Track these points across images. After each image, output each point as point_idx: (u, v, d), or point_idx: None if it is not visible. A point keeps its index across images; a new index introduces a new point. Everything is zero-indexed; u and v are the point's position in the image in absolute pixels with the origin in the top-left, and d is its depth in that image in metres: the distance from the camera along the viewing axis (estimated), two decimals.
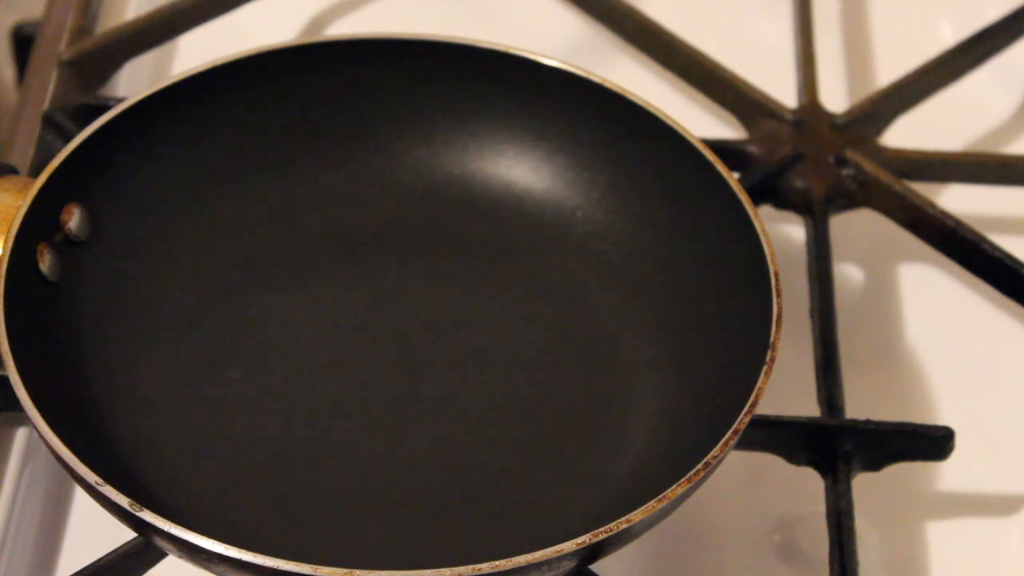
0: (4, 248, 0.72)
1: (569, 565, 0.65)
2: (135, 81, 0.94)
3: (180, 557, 0.66)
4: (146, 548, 0.70)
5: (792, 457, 0.78)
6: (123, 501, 0.65)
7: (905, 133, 0.92)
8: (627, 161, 0.81)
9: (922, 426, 0.78)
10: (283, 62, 0.81)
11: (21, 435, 0.79)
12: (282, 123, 0.82)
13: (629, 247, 0.81)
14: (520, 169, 0.84)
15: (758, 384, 0.69)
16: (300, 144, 0.83)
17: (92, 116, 0.78)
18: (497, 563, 0.63)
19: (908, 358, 0.87)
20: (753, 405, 0.69)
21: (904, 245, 0.88)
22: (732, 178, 0.77)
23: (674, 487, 0.66)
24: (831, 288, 0.83)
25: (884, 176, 0.88)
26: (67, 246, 0.75)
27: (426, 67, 0.82)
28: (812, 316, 0.82)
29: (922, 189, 0.88)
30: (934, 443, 0.77)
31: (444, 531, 0.72)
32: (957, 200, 0.91)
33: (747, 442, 0.74)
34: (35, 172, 0.76)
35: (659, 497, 0.65)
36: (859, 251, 0.91)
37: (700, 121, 0.94)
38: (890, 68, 0.97)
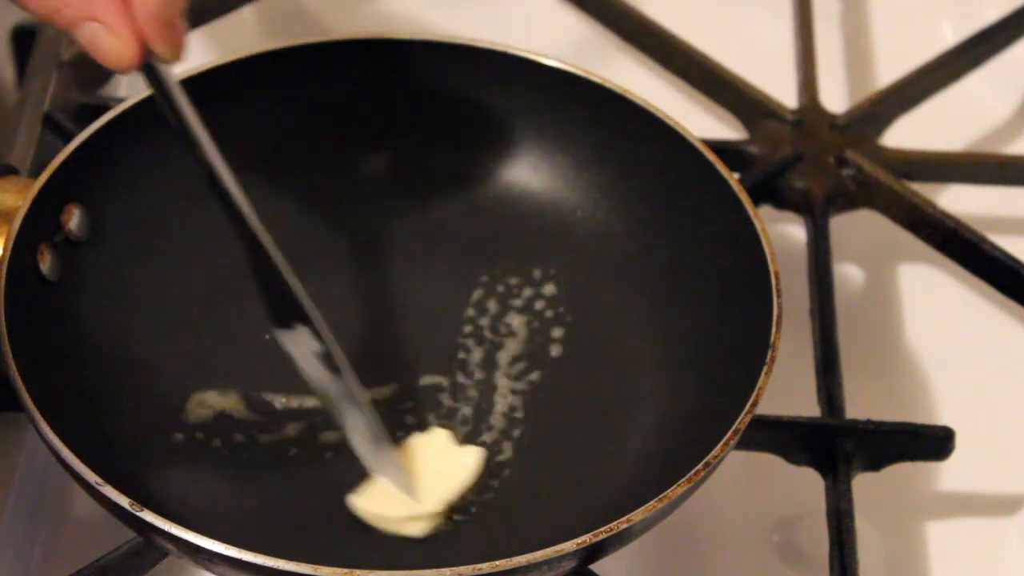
0: (4, 248, 0.72)
1: (569, 565, 0.65)
2: (135, 81, 0.94)
3: (180, 557, 0.66)
4: (146, 548, 0.70)
5: (792, 457, 0.78)
6: (123, 501, 0.65)
7: (905, 133, 0.92)
8: (627, 161, 0.81)
9: (922, 426, 0.78)
10: (283, 62, 0.81)
11: (21, 435, 0.79)
12: (282, 123, 0.82)
13: (629, 247, 0.81)
14: (520, 169, 0.84)
15: (758, 384, 0.69)
16: (300, 144, 0.83)
17: (92, 116, 0.78)
18: (497, 563, 0.63)
19: (908, 358, 0.87)
20: (753, 405, 0.69)
21: (904, 245, 0.88)
22: (732, 178, 0.77)
23: (674, 487, 0.66)
24: (831, 288, 0.83)
25: (884, 176, 0.88)
26: (67, 246, 0.75)
27: (426, 67, 0.82)
28: (812, 316, 0.82)
29: (922, 189, 0.88)
30: (934, 443, 0.77)
31: (444, 531, 0.72)
32: (957, 200, 0.91)
33: (747, 442, 0.74)
34: (35, 172, 0.76)
35: (659, 497, 0.66)
36: (859, 251, 0.91)
37: (700, 121, 0.94)
38: (890, 68, 0.97)
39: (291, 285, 0.69)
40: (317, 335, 0.69)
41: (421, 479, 0.72)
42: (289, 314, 0.69)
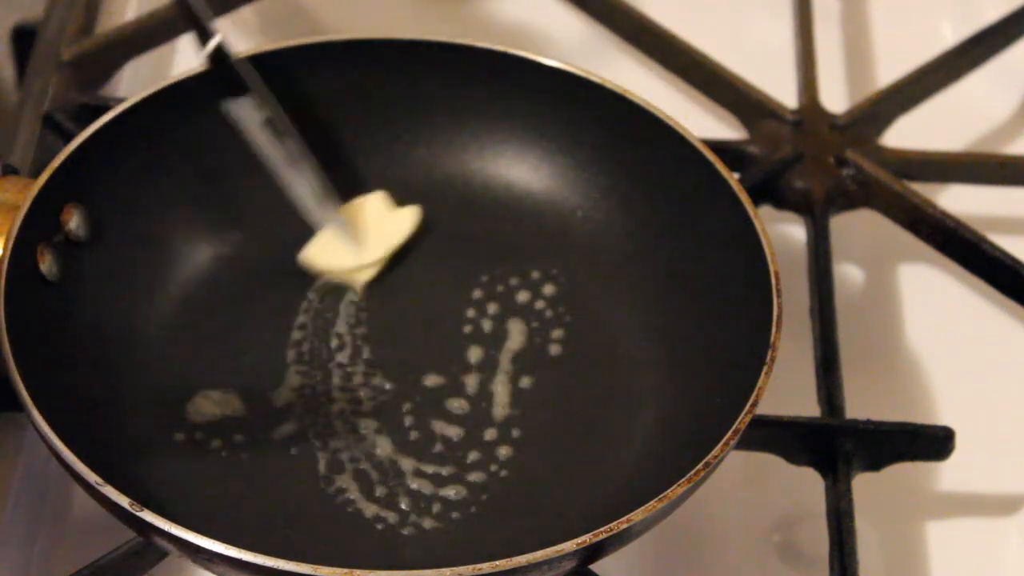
0: (4, 248, 0.72)
1: (569, 565, 0.65)
2: (135, 81, 0.94)
3: (180, 557, 0.66)
4: (146, 548, 0.70)
5: (792, 457, 0.78)
6: (123, 501, 0.65)
7: (905, 133, 0.92)
8: (627, 161, 0.81)
9: (922, 426, 0.78)
10: (283, 62, 0.81)
11: (21, 435, 0.79)
12: None
13: (629, 247, 0.81)
14: (520, 169, 0.84)
15: (758, 384, 0.69)
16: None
17: (92, 116, 0.79)
18: (497, 563, 0.63)
19: (908, 358, 0.87)
20: (753, 405, 0.69)
21: (904, 245, 0.88)
22: (732, 178, 0.77)
23: (674, 487, 0.66)
24: (831, 288, 0.83)
25: (884, 176, 0.88)
26: (67, 246, 0.75)
27: (426, 67, 0.82)
28: (812, 316, 0.82)
29: (922, 189, 0.88)
30: (934, 443, 0.77)
31: (444, 531, 0.72)
32: (957, 200, 0.91)
33: (747, 442, 0.74)
34: (35, 172, 0.76)
35: (659, 497, 0.66)
36: (859, 251, 0.91)
37: (700, 121, 0.94)
38: (890, 68, 0.97)
39: (233, 57, 0.77)
40: (260, 102, 0.77)
41: (364, 233, 0.80)
42: (235, 84, 0.77)
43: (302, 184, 0.79)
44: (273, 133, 0.78)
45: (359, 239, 0.80)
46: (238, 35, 0.97)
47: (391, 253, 0.81)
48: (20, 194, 0.74)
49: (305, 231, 0.82)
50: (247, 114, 0.78)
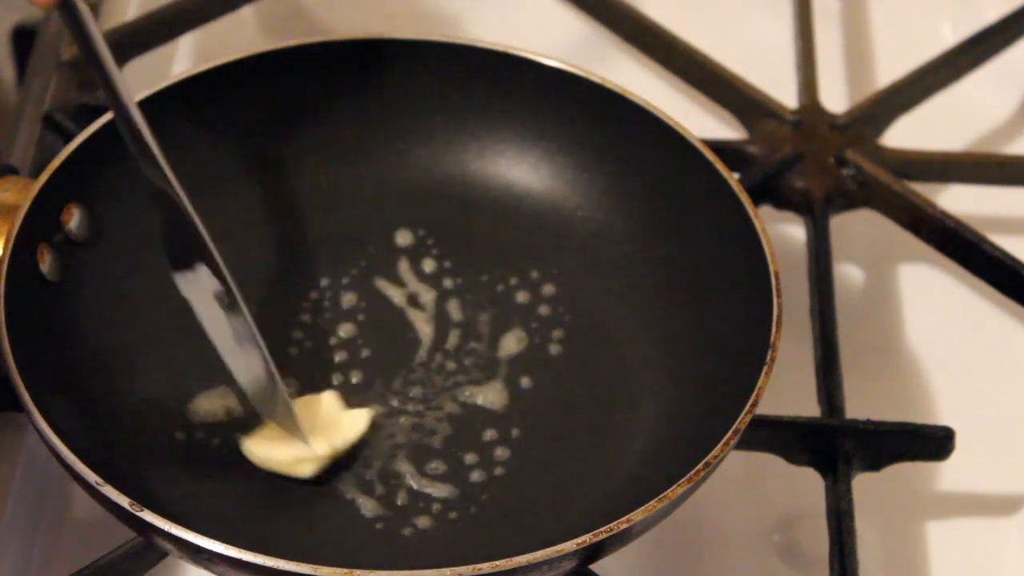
0: (4, 248, 0.72)
1: (569, 565, 0.65)
2: (135, 81, 0.94)
3: (180, 557, 0.66)
4: (146, 548, 0.70)
5: (792, 457, 0.78)
6: (123, 501, 0.65)
7: (905, 133, 0.92)
8: (627, 161, 0.81)
9: (922, 426, 0.78)
10: (283, 62, 0.81)
11: (21, 435, 0.79)
12: (282, 123, 0.82)
13: (629, 247, 0.81)
14: (520, 169, 0.84)
15: (758, 384, 0.69)
16: (300, 144, 0.83)
17: (92, 116, 0.79)
18: (497, 563, 0.63)
19: (908, 358, 0.87)
20: (753, 405, 0.69)
21: (904, 245, 0.88)
22: (732, 178, 0.77)
23: (674, 487, 0.66)
24: (831, 288, 0.83)
25: (884, 176, 0.88)
26: (67, 246, 0.75)
27: (426, 67, 0.82)
28: (812, 316, 0.82)
29: (922, 189, 0.88)
30: (934, 443, 0.77)
31: (444, 531, 0.72)
32: (957, 200, 0.91)
33: (747, 442, 0.74)
34: (35, 172, 0.76)
35: (659, 497, 0.66)
36: (859, 251, 0.91)
37: (700, 121, 0.94)
38: (890, 68, 0.97)
39: (193, 223, 0.69)
40: (216, 273, 0.69)
41: (312, 429, 0.73)
42: (189, 253, 0.69)
43: (252, 366, 0.71)
44: (226, 307, 0.69)
45: (305, 434, 0.73)
46: (238, 35, 0.97)
47: (337, 453, 0.73)
48: (20, 194, 0.74)
49: (305, 230, 0.82)
50: (197, 286, 0.70)
